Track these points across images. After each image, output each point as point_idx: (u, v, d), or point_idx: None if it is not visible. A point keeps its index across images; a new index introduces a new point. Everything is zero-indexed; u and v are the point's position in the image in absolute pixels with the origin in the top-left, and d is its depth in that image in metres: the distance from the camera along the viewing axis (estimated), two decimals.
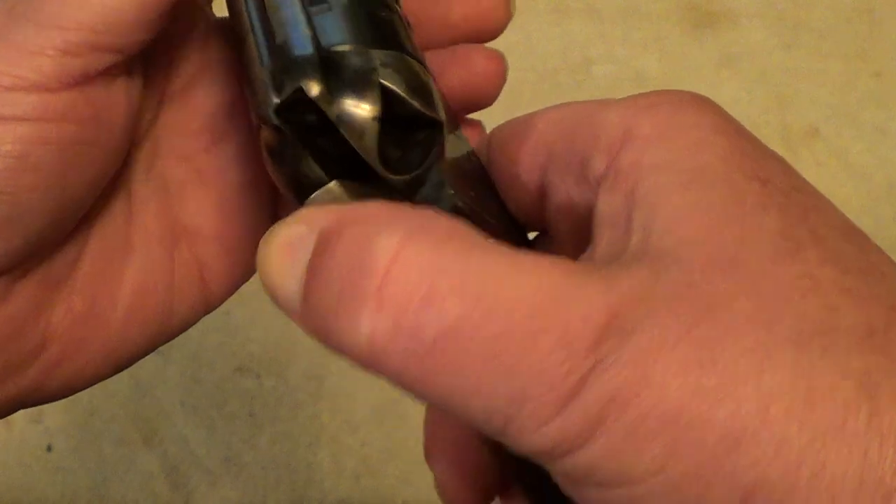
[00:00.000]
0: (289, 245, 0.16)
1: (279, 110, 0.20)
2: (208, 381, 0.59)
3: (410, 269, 0.15)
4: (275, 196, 0.28)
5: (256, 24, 0.21)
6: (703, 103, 0.19)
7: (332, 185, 0.20)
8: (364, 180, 0.20)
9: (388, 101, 0.19)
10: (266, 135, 0.21)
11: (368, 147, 0.19)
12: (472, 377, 0.15)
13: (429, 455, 0.24)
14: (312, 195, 0.20)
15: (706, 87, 0.69)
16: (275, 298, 0.16)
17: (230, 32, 0.25)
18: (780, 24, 0.69)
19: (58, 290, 0.24)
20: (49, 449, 0.57)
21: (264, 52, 0.21)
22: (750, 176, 0.17)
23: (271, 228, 0.17)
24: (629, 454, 0.14)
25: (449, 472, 0.24)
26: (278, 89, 0.20)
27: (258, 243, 0.30)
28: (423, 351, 0.14)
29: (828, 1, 0.69)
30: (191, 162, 0.27)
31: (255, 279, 0.52)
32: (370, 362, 0.15)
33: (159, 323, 0.26)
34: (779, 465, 0.14)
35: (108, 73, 0.22)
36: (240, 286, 0.28)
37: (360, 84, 0.19)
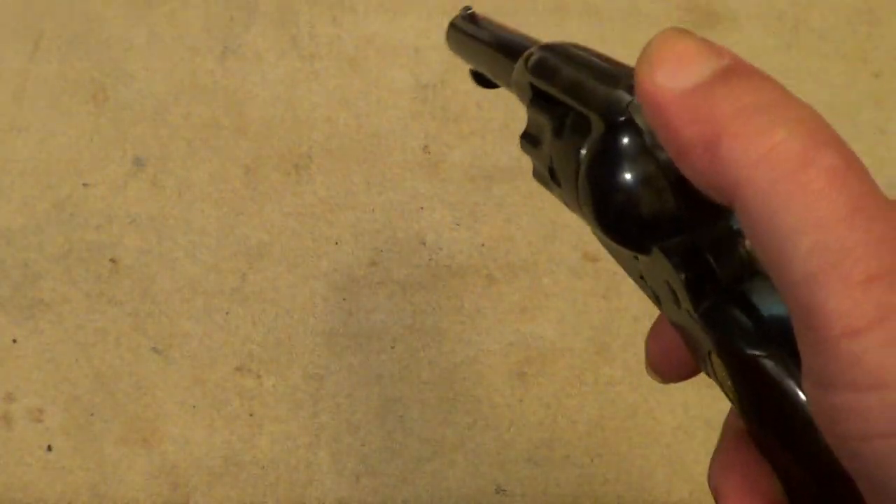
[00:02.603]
0: (705, 47, 0.19)
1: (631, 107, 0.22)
2: (208, 381, 0.59)
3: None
4: None
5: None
6: None
7: None
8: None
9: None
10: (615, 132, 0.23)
11: None
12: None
13: (720, 484, 0.22)
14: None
15: None
16: (675, 65, 0.18)
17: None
18: (780, 25, 0.69)
19: None
20: (49, 449, 0.57)
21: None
22: None
23: (673, 31, 0.19)
24: None
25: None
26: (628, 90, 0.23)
27: None
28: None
29: (828, 1, 0.69)
30: None
31: (249, 275, 0.51)
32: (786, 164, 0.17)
33: None
34: None
35: None
36: None
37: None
